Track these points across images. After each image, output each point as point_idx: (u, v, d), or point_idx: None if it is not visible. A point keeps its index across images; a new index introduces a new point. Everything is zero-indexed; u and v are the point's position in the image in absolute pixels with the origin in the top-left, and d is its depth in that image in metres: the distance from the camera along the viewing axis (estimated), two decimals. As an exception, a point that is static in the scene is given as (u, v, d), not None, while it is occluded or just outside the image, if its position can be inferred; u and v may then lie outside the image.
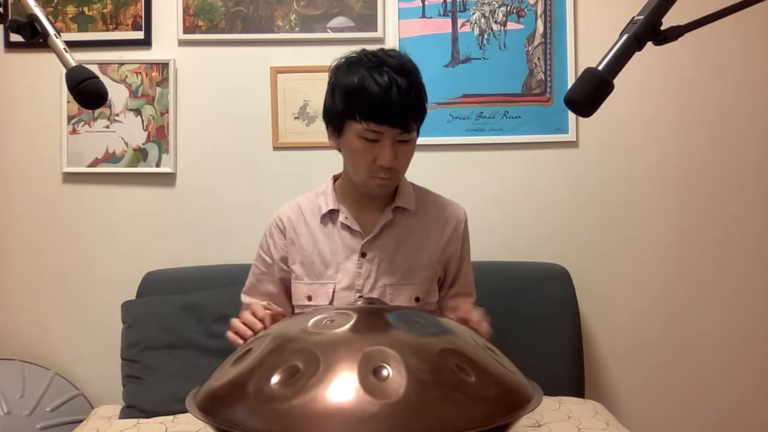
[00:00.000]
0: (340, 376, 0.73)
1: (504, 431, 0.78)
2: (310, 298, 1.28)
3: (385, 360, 0.75)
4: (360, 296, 1.23)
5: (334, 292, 1.26)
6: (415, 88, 1.15)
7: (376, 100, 1.11)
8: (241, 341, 1.03)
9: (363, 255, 1.27)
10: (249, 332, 1.04)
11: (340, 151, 1.25)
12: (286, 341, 0.86)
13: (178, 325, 1.70)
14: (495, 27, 1.94)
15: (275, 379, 0.76)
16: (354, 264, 1.26)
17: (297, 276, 1.30)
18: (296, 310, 1.30)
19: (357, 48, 1.21)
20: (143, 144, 1.95)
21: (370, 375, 0.73)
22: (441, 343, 0.82)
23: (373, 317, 0.89)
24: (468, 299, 1.37)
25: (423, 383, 0.73)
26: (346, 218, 1.27)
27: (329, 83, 1.21)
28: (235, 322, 1.08)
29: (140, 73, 1.95)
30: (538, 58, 1.94)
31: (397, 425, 0.70)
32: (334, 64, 1.21)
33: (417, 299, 1.27)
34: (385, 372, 0.74)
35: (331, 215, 1.30)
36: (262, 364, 0.80)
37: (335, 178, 1.34)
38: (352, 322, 0.84)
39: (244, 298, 1.36)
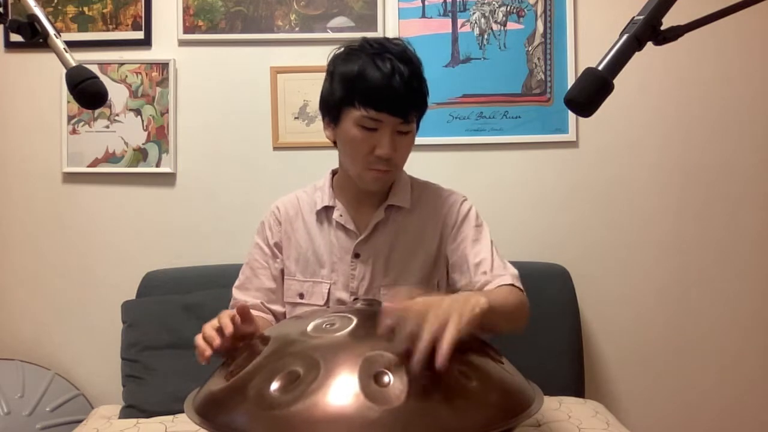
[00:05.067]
0: (340, 382, 0.73)
1: (506, 436, 0.78)
2: (302, 296, 1.24)
3: (386, 365, 0.75)
4: (355, 298, 1.20)
5: (329, 292, 1.23)
6: (418, 77, 1.12)
7: (378, 86, 1.08)
8: (203, 357, 0.92)
9: (356, 256, 1.23)
10: (208, 351, 0.91)
11: (335, 144, 1.21)
12: (285, 345, 0.85)
13: (178, 325, 1.70)
14: (495, 27, 1.94)
15: (275, 384, 0.75)
16: (347, 265, 1.23)
17: (290, 272, 1.26)
18: (287, 308, 1.27)
19: None
20: (143, 144, 1.94)
21: (371, 381, 0.73)
22: None
23: (373, 321, 0.88)
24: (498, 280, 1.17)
25: (424, 389, 0.73)
26: (341, 216, 1.24)
27: (327, 71, 1.17)
28: (198, 339, 0.95)
29: (140, 73, 1.94)
30: (538, 58, 1.94)
31: None
32: (333, 53, 1.18)
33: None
34: (386, 378, 0.73)
35: (326, 212, 1.26)
36: (262, 368, 0.80)
37: (334, 173, 1.30)
38: (352, 326, 0.84)
39: (237, 294, 1.28)
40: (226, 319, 0.94)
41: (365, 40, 1.15)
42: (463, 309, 0.81)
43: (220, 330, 0.94)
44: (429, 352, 0.73)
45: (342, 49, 1.16)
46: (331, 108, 1.16)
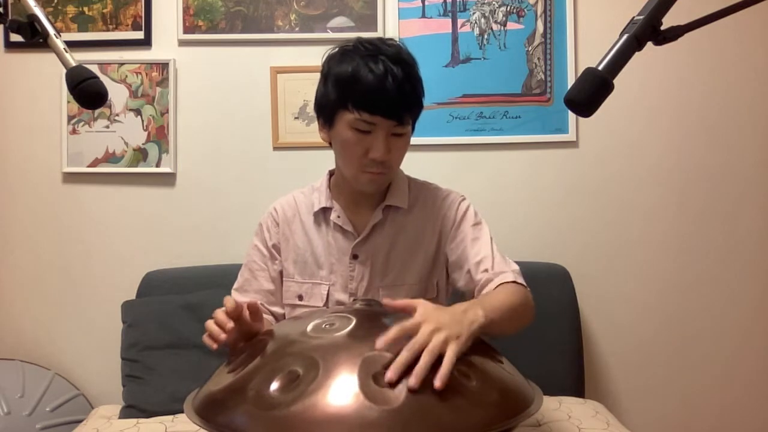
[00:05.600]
0: (340, 382, 0.73)
1: (506, 435, 0.78)
2: (301, 298, 1.24)
3: (385, 365, 0.75)
4: (354, 299, 1.18)
5: (328, 294, 1.22)
6: (412, 79, 1.11)
7: (371, 89, 1.06)
8: (215, 345, 0.94)
9: (355, 257, 1.22)
10: (222, 335, 0.93)
11: (330, 145, 1.20)
12: (285, 345, 0.85)
13: (178, 325, 1.70)
14: (495, 27, 1.94)
15: (275, 385, 0.75)
16: (346, 266, 1.22)
17: (288, 274, 1.26)
18: (286, 310, 1.27)
19: None
20: (143, 144, 1.95)
21: (371, 380, 0.73)
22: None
23: (372, 321, 0.88)
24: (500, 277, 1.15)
25: (423, 388, 0.73)
26: (339, 217, 1.23)
27: (322, 73, 1.16)
28: (209, 323, 0.97)
29: (140, 73, 1.94)
30: (538, 58, 1.94)
31: None
32: (328, 53, 1.16)
33: None
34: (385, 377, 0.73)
35: (324, 213, 1.25)
36: (261, 368, 0.80)
37: (331, 174, 1.30)
38: (351, 326, 0.83)
39: (236, 296, 1.26)
40: (222, 316, 0.95)
41: (359, 40, 1.13)
42: (462, 328, 0.84)
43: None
44: (428, 370, 0.75)
45: (336, 49, 1.15)
46: (325, 110, 1.15)
